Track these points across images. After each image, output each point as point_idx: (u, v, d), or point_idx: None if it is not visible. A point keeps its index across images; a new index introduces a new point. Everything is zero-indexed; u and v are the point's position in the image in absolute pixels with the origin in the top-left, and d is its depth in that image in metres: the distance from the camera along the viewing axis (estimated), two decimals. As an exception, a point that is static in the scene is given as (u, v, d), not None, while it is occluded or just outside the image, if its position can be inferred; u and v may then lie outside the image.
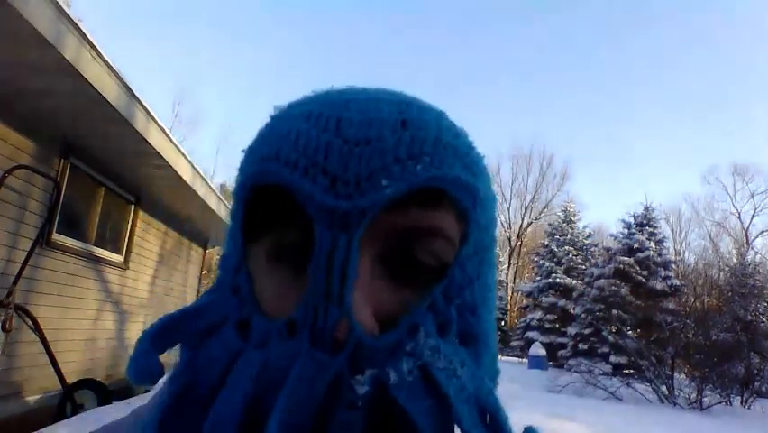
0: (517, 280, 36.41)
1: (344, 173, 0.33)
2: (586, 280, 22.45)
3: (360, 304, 0.32)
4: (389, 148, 0.34)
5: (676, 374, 12.86)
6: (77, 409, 4.52)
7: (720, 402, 11.83)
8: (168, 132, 5.39)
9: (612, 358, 18.29)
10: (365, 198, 0.33)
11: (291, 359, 0.31)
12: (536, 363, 18.60)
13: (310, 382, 0.30)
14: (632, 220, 21.48)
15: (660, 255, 20.65)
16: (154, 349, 0.36)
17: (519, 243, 36.97)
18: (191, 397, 0.34)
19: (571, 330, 21.18)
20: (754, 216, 33.23)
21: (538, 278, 25.22)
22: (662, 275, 20.30)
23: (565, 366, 20.23)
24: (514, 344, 26.53)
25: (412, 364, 0.32)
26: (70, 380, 4.73)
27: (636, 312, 18.08)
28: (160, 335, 0.37)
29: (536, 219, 37.36)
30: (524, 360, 22.55)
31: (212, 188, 7.45)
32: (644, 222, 21.30)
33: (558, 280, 24.11)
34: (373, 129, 0.35)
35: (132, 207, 6.67)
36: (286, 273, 0.35)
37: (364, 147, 0.34)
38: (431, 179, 0.34)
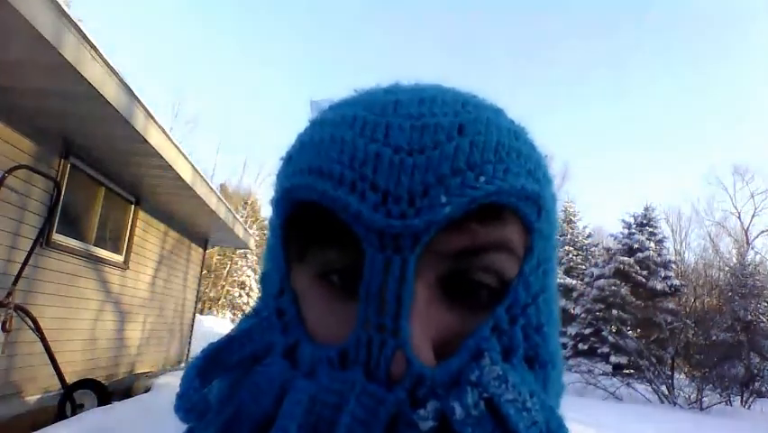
0: (517, 281, 36.30)
1: (396, 188, 0.30)
2: (586, 280, 22.46)
3: (417, 335, 0.29)
4: (447, 158, 0.30)
5: (676, 374, 12.86)
6: (77, 409, 4.52)
7: (720, 402, 11.83)
8: (168, 132, 5.39)
9: (612, 358, 18.29)
10: (420, 217, 0.29)
11: (345, 393, 0.28)
12: (536, 363, 18.62)
13: (367, 419, 0.28)
14: (632, 220, 21.49)
15: (660, 255, 20.66)
16: (202, 384, 0.33)
17: (519, 243, 36.97)
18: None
19: (571, 330, 21.19)
20: (754, 216, 33.23)
21: (538, 278, 25.22)
22: (662, 275, 20.31)
23: (565, 366, 20.24)
24: (514, 344, 26.52)
25: (477, 396, 0.28)
26: (70, 380, 4.73)
27: (636, 312, 18.10)
28: (206, 367, 0.34)
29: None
30: (524, 360, 22.49)
31: (212, 189, 7.45)
32: (644, 222, 21.31)
33: (558, 280, 24.08)
34: (427, 136, 0.31)
35: (132, 207, 6.67)
36: (334, 296, 0.32)
37: (418, 157, 0.30)
38: (494, 193, 0.30)
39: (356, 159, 0.31)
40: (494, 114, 0.35)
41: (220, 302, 30.64)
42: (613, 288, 19.26)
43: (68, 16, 3.31)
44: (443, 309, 0.31)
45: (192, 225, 8.83)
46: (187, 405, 0.32)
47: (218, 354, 0.34)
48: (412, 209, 0.29)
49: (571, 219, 27.07)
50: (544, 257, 0.35)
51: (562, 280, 24.10)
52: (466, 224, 0.30)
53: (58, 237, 5.07)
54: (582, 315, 20.50)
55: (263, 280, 0.38)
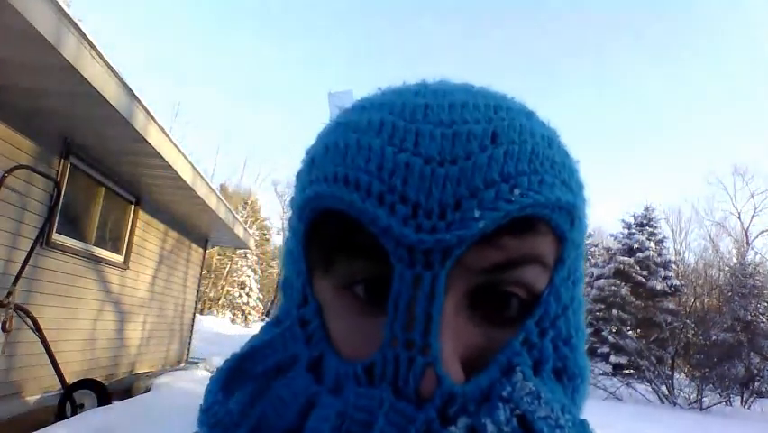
0: (517, 281, 36.31)
1: (427, 201, 0.29)
2: (586, 280, 22.38)
3: (447, 351, 0.29)
4: (480, 169, 0.29)
5: (676, 374, 12.86)
6: (77, 409, 4.51)
7: (720, 402, 11.83)
8: (168, 132, 5.39)
9: (612, 358, 18.29)
10: (452, 231, 0.28)
11: (373, 410, 0.28)
12: (536, 363, 18.61)
13: None
14: (632, 220, 21.50)
15: (660, 255, 20.66)
16: (225, 397, 0.33)
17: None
18: None
19: (571, 330, 21.20)
20: (754, 216, 33.22)
21: (538, 278, 25.21)
22: (662, 275, 20.31)
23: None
24: (514, 344, 26.52)
25: (509, 412, 0.28)
26: (70, 380, 4.72)
27: (636, 312, 18.11)
28: (230, 379, 0.33)
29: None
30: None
31: (212, 189, 7.45)
32: (644, 222, 21.31)
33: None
34: (459, 145, 0.30)
35: (132, 207, 6.67)
36: (359, 309, 0.32)
37: (450, 168, 0.29)
38: (529, 206, 0.29)
39: (385, 169, 0.30)
40: (527, 118, 0.34)
41: (220, 302, 30.63)
42: (613, 288, 19.26)
43: (69, 16, 3.31)
44: (471, 324, 0.31)
45: (192, 225, 8.83)
46: (212, 420, 0.32)
47: (241, 364, 0.33)
48: (443, 223, 0.28)
49: (571, 219, 27.05)
50: (574, 267, 0.34)
51: (562, 281, 24.06)
52: (498, 237, 0.29)
53: (58, 237, 5.07)
54: (582, 315, 20.50)
55: (284, 287, 0.37)
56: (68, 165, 5.05)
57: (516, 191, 0.29)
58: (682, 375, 13.42)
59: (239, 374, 0.33)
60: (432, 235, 0.28)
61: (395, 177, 0.29)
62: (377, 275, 0.30)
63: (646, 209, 21.57)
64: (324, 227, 0.32)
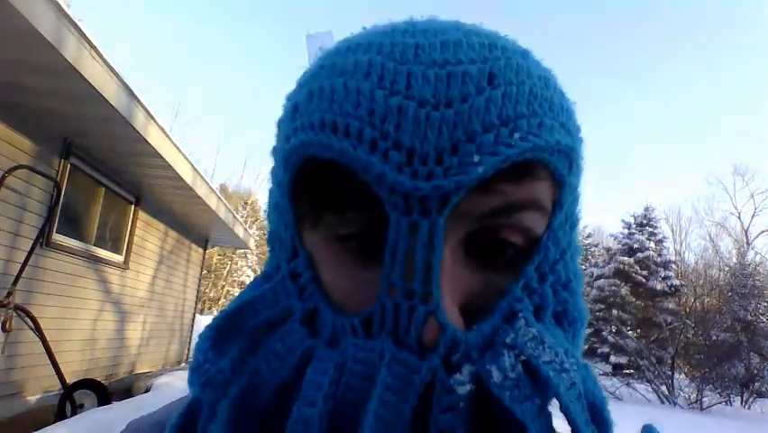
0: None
1: (423, 146, 0.27)
2: (586, 280, 22.45)
3: (447, 300, 0.28)
4: (477, 112, 0.28)
5: (676, 374, 12.87)
6: (77, 409, 4.51)
7: (720, 402, 11.84)
8: (168, 132, 5.39)
9: (612, 358, 18.28)
10: (449, 177, 0.27)
11: (374, 362, 0.27)
12: (536, 363, 18.60)
13: (401, 388, 0.27)
14: (632, 220, 21.51)
15: (660, 255, 20.67)
16: (216, 355, 0.31)
17: (519, 243, 36.95)
18: (249, 405, 0.30)
19: (571, 330, 21.21)
20: (754, 216, 33.22)
21: (538, 278, 25.23)
22: (662, 275, 20.32)
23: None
24: (514, 344, 26.53)
25: (514, 358, 0.27)
26: (70, 380, 4.72)
27: (636, 312, 18.11)
28: (220, 337, 0.32)
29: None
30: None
31: (212, 189, 7.45)
32: (645, 222, 21.33)
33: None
34: (454, 87, 0.28)
35: (132, 207, 6.67)
36: (352, 260, 0.31)
37: (445, 111, 0.28)
38: (530, 150, 0.28)
39: (376, 114, 0.28)
40: (523, 58, 0.32)
41: (220, 302, 30.64)
42: (613, 288, 19.27)
43: (69, 16, 3.31)
44: (468, 270, 0.30)
45: (192, 225, 8.83)
46: (202, 378, 0.30)
47: (231, 321, 0.32)
48: (440, 169, 0.27)
49: (571, 219, 27.08)
50: (571, 211, 0.34)
51: (562, 281, 24.08)
52: (496, 182, 0.28)
53: (58, 237, 5.07)
54: (582, 315, 20.51)
55: (271, 241, 0.36)
56: (68, 165, 5.05)
57: (516, 135, 0.28)
58: (682, 375, 13.43)
59: (229, 331, 0.32)
60: (428, 182, 0.27)
61: (387, 122, 0.28)
62: (370, 226, 0.29)
63: (646, 209, 21.58)
64: (311, 178, 0.31)
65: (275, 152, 0.35)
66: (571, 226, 0.34)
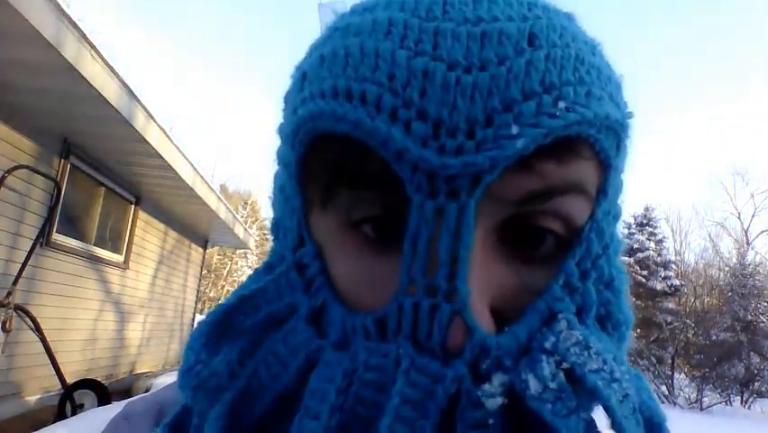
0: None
1: (452, 117, 0.23)
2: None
3: (476, 297, 0.24)
4: (516, 76, 0.24)
5: (676, 374, 12.87)
6: (77, 409, 4.51)
7: (720, 402, 11.84)
8: (168, 132, 5.39)
9: (612, 358, 18.28)
10: (482, 153, 0.23)
11: (389, 369, 0.24)
12: (536, 363, 18.58)
13: (421, 400, 0.23)
14: (632, 220, 21.50)
15: (660, 255, 20.67)
16: (210, 355, 0.28)
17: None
18: (245, 415, 0.26)
19: (571, 330, 21.21)
20: (754, 216, 33.21)
21: (538, 278, 25.24)
22: (662, 275, 20.32)
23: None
24: (514, 344, 26.53)
25: (555, 367, 0.23)
26: (70, 380, 4.72)
27: (636, 312, 18.04)
28: (215, 335, 0.28)
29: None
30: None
31: (212, 189, 7.45)
32: (644, 222, 21.33)
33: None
34: (490, 47, 0.24)
35: (132, 207, 6.67)
36: (367, 249, 0.27)
37: (479, 75, 0.24)
38: (577, 123, 0.24)
39: (398, 78, 0.24)
40: (567, 20, 0.28)
41: (220, 302, 30.64)
42: (613, 288, 19.31)
43: (69, 16, 3.31)
44: (501, 264, 0.26)
45: (192, 225, 8.83)
46: (193, 382, 0.27)
47: (228, 318, 0.28)
48: (472, 143, 0.23)
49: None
50: (614, 200, 0.30)
51: (562, 281, 24.07)
52: (537, 160, 0.24)
53: (58, 237, 5.07)
54: (582, 315, 20.53)
55: (275, 230, 0.32)
56: (68, 165, 5.05)
57: (561, 104, 0.24)
58: (682, 375, 13.43)
59: (225, 329, 0.28)
60: (458, 158, 0.23)
61: (410, 87, 0.24)
62: (389, 209, 0.25)
63: (646, 209, 21.59)
64: (322, 154, 0.27)
65: (281, 129, 0.31)
66: (615, 217, 0.30)
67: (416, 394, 0.23)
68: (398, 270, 0.25)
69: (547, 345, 0.24)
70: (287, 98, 0.31)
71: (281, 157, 0.30)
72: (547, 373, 0.23)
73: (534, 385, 0.23)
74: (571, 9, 0.30)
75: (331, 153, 0.26)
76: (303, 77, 0.29)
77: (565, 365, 0.24)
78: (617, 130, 0.27)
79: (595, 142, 0.26)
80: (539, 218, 0.26)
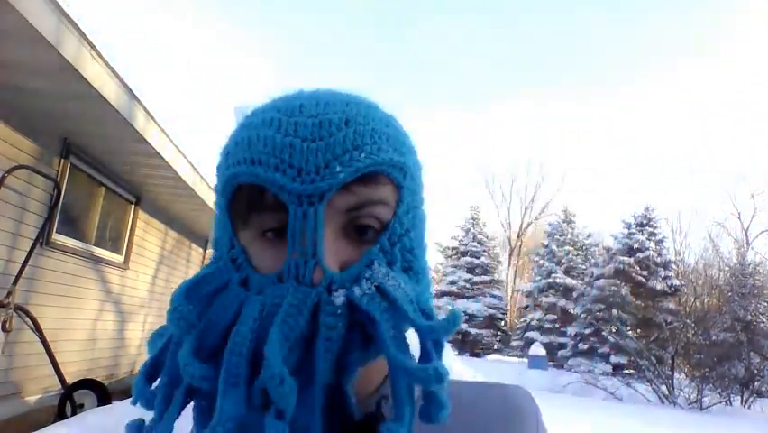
0: (517, 281, 36.39)
1: (306, 165, 0.43)
2: (586, 280, 22.46)
3: (327, 256, 0.43)
4: (338, 143, 0.44)
5: (676, 374, 12.87)
6: (77, 409, 4.52)
7: (720, 402, 11.85)
8: (168, 132, 5.39)
9: (612, 358, 18.28)
10: (324, 181, 0.43)
11: (283, 295, 0.41)
12: (536, 363, 18.60)
13: (299, 306, 0.41)
14: (632, 220, 21.51)
15: (660, 255, 20.68)
16: (187, 305, 0.44)
17: (519, 243, 36.98)
18: (205, 339, 0.43)
19: (571, 330, 21.18)
20: (754, 216, 33.21)
21: (538, 278, 25.23)
22: (662, 275, 20.32)
23: (565, 366, 20.23)
24: (514, 344, 26.53)
25: (370, 284, 0.43)
26: (70, 380, 4.72)
27: (636, 312, 18.10)
28: (188, 294, 0.45)
29: (536, 219, 37.37)
30: (524, 360, 22.56)
31: (212, 189, 7.44)
32: (644, 222, 21.33)
33: (558, 280, 24.10)
34: (324, 128, 0.45)
35: (132, 207, 6.67)
36: (270, 245, 0.46)
37: (319, 144, 0.44)
38: (371, 164, 0.45)
39: (276, 148, 0.44)
40: (370, 108, 0.49)
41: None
42: (613, 288, 19.26)
43: (69, 16, 3.31)
44: (345, 245, 0.45)
45: (192, 225, 8.84)
46: (177, 315, 0.43)
47: (194, 286, 0.46)
48: (318, 177, 0.43)
49: (570, 219, 27.06)
50: (412, 205, 0.50)
51: (562, 280, 24.09)
52: (354, 186, 0.44)
53: (58, 237, 5.07)
54: (582, 315, 20.49)
55: (215, 244, 0.52)
56: (68, 165, 5.05)
57: (362, 155, 0.44)
58: (682, 375, 13.43)
59: (192, 292, 0.45)
60: (312, 185, 0.43)
61: (284, 152, 0.44)
62: (280, 224, 0.45)
63: (646, 209, 21.59)
64: (240, 196, 0.47)
65: (216, 188, 0.51)
66: (414, 216, 0.50)
67: (297, 302, 0.41)
68: (286, 250, 0.43)
69: (366, 274, 0.43)
70: (218, 169, 0.50)
71: (217, 203, 0.51)
72: (365, 287, 0.42)
73: (357, 292, 0.42)
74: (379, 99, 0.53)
75: (245, 194, 0.46)
76: (227, 154, 0.49)
77: (376, 283, 0.43)
78: (401, 167, 0.48)
79: (389, 174, 0.47)
80: (362, 219, 0.46)
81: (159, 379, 0.46)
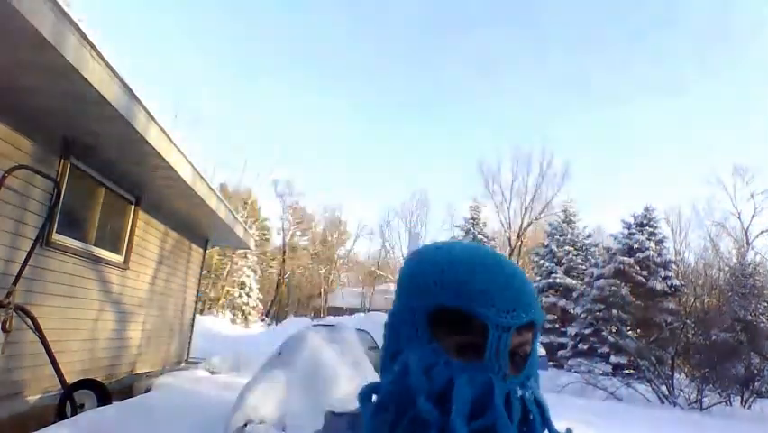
0: (517, 280, 36.22)
1: (505, 304, 0.59)
2: (586, 280, 22.43)
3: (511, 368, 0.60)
4: (530, 294, 0.62)
5: (676, 374, 12.86)
6: (77, 409, 4.52)
7: (720, 402, 11.84)
8: (168, 132, 5.39)
9: (612, 358, 18.26)
10: (511, 319, 0.58)
11: (491, 384, 0.57)
12: (536, 363, 18.53)
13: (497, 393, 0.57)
14: (632, 220, 21.48)
15: (660, 255, 20.65)
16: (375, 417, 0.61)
17: (519, 243, 36.96)
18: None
19: (571, 330, 21.16)
20: (754, 216, 33.21)
21: (538, 278, 25.21)
22: (662, 275, 20.30)
23: (565, 366, 20.20)
24: (514, 344, 26.50)
25: (530, 393, 0.60)
26: (70, 380, 4.72)
27: (636, 312, 18.08)
28: (377, 411, 0.61)
29: (536, 219, 37.34)
30: (524, 360, 22.47)
31: (212, 189, 7.45)
32: (645, 222, 21.31)
33: (558, 280, 24.10)
34: (518, 281, 0.62)
35: (132, 207, 6.67)
36: (459, 354, 0.60)
37: (523, 290, 0.62)
38: (538, 316, 0.62)
39: (489, 291, 0.60)
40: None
41: (220, 302, 30.62)
42: (613, 288, 19.25)
43: (69, 16, 3.31)
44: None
45: (192, 225, 8.84)
46: None
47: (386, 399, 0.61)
48: (510, 315, 0.59)
49: (571, 219, 27.05)
50: (533, 350, 0.66)
51: (562, 280, 24.09)
52: (523, 329, 0.61)
53: (58, 237, 5.07)
54: (582, 315, 20.48)
55: (393, 353, 0.65)
56: (68, 165, 5.05)
57: (536, 307, 0.62)
58: (682, 375, 13.42)
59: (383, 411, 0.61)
60: (505, 320, 0.58)
61: (496, 294, 0.60)
62: (472, 339, 0.59)
63: (646, 209, 21.57)
64: (438, 315, 0.61)
65: (401, 296, 0.67)
66: (534, 351, 0.66)
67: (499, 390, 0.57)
68: (482, 363, 0.59)
69: (528, 383, 0.61)
70: (406, 283, 0.67)
71: (408, 314, 0.64)
72: (528, 390, 0.60)
73: (525, 394, 0.60)
74: None
75: (446, 315, 0.61)
76: (434, 283, 0.63)
77: (531, 390, 0.61)
78: (541, 323, 0.65)
79: (537, 324, 0.63)
80: (522, 351, 0.62)
81: None
